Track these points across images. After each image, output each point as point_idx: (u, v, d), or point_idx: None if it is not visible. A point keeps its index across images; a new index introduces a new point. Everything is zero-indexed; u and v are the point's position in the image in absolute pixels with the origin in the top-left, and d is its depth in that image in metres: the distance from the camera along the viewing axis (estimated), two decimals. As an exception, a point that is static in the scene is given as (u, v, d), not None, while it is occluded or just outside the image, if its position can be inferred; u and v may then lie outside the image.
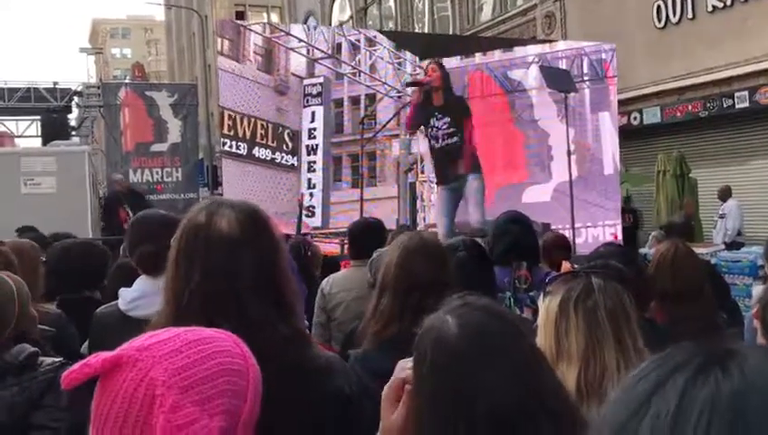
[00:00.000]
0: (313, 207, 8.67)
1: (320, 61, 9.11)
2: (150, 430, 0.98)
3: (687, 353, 0.61)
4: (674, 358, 0.61)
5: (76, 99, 25.95)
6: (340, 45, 9.37)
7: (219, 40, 9.06)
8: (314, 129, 9.01)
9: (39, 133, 26.03)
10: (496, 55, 9.59)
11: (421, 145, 9.32)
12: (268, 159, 8.75)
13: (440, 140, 8.76)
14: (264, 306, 1.49)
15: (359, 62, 9.36)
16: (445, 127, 8.76)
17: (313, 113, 9.01)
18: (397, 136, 9.33)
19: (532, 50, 9.94)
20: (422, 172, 9.29)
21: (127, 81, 41.58)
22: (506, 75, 9.42)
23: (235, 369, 1.06)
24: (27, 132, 27.07)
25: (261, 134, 8.73)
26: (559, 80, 9.26)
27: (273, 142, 8.74)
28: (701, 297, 2.80)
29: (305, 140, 8.98)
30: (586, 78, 9.38)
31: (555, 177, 9.20)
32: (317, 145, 8.99)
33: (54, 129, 24.64)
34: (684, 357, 0.60)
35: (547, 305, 1.77)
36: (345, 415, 1.61)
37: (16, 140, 26.46)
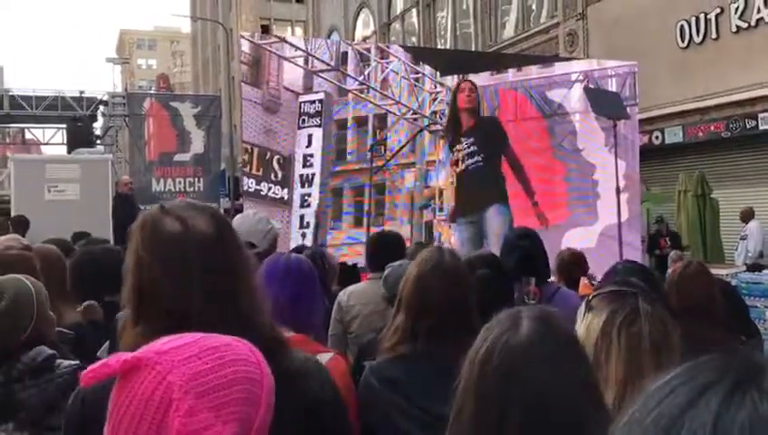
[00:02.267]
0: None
1: (320, 73, 7.63)
2: (165, 434, 0.99)
3: (717, 369, 0.58)
4: (703, 374, 0.58)
5: (102, 108, 26.28)
6: (345, 55, 7.86)
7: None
8: (311, 155, 7.38)
9: (64, 141, 26.38)
10: (533, 72, 8.23)
11: (440, 175, 7.94)
12: (251, 190, 7.24)
13: (460, 163, 7.66)
14: (235, 311, 1.48)
15: (368, 76, 7.91)
16: (466, 148, 7.71)
17: (310, 136, 7.43)
18: (411, 165, 7.93)
19: (577, 66, 8.68)
20: (441, 210, 7.86)
21: (152, 91, 42.09)
22: (545, 96, 8.06)
23: (251, 377, 1.07)
24: (53, 140, 27.44)
25: (244, 160, 7.35)
26: (607, 103, 8.00)
27: (258, 171, 7.19)
28: (707, 316, 2.78)
29: (299, 169, 7.29)
30: (631, 102, 8.20)
31: (602, 218, 7.82)
32: (313, 175, 7.32)
33: (79, 137, 24.95)
34: (714, 374, 0.57)
35: (589, 323, 1.72)
36: (316, 418, 1.60)
37: (42, 147, 26.89)
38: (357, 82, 7.93)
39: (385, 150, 7.92)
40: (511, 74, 8.27)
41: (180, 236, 1.48)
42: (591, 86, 8.14)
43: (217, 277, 1.48)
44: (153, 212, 1.54)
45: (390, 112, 7.96)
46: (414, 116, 7.99)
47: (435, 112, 8.07)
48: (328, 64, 7.72)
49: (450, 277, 2.23)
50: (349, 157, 7.94)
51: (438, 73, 8.15)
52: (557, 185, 7.96)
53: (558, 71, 8.37)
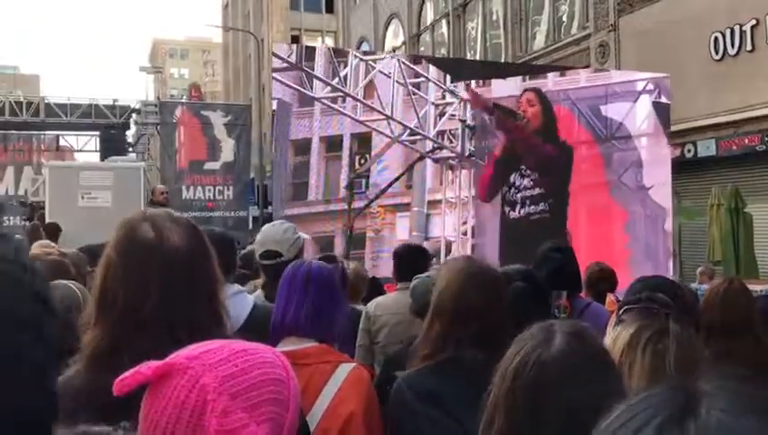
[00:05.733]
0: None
1: (274, 76, 5.35)
2: None
3: (652, 408, 0.60)
4: (636, 417, 0.59)
5: (134, 116, 26.70)
6: (312, 49, 5.66)
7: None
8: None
9: (97, 148, 26.84)
10: (582, 79, 6.22)
11: (447, 223, 5.65)
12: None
13: (518, 207, 5.66)
14: (205, 315, 1.53)
15: (344, 78, 5.44)
16: (529, 186, 5.64)
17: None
18: (405, 207, 5.65)
19: (643, 73, 6.64)
20: None
21: (183, 100, 42.65)
22: (599, 112, 5.98)
23: (278, 379, 1.10)
24: (86, 147, 27.91)
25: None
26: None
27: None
28: (750, 334, 2.74)
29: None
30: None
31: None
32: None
33: (112, 144, 25.45)
34: (646, 414, 0.59)
35: (616, 336, 1.73)
36: None
37: (75, 154, 27.38)
38: (328, 87, 5.47)
39: (368, 186, 5.64)
40: (551, 81, 6.19)
41: (151, 244, 1.52)
42: (665, 100, 6.24)
43: (177, 289, 1.50)
44: (135, 216, 1.60)
45: (377, 132, 5.66)
46: (412, 137, 5.73)
47: (442, 133, 5.82)
48: (285, 60, 5.37)
49: (490, 287, 2.23)
50: (313, 195, 5.58)
51: (449, 78, 5.95)
52: (615, 236, 5.98)
53: (617, 78, 6.39)
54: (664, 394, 0.61)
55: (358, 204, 5.44)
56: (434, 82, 5.72)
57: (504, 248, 5.52)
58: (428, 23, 24.50)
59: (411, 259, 4.50)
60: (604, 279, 4.75)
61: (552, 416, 1.23)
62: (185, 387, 1.03)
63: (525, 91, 5.73)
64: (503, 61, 18.71)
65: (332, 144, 5.60)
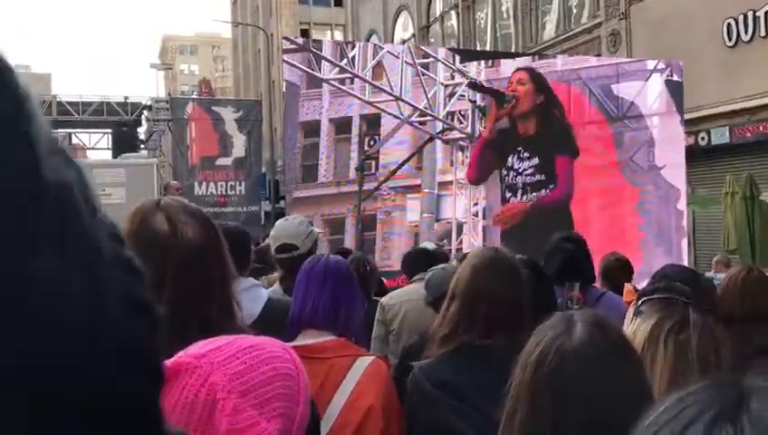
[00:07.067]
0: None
1: (284, 58, 5.29)
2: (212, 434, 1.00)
3: (701, 403, 0.58)
4: (687, 409, 0.58)
5: (146, 113, 26.83)
6: (319, 41, 5.94)
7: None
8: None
9: (109, 146, 26.99)
10: (593, 59, 6.29)
11: (458, 204, 5.64)
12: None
13: (519, 193, 5.63)
14: (217, 310, 1.52)
15: (353, 60, 5.47)
16: (529, 171, 5.59)
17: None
18: (416, 189, 5.63)
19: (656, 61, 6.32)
20: (458, 251, 5.59)
21: (194, 96, 42.76)
22: (610, 92, 5.94)
23: (287, 373, 1.09)
24: (99, 145, 28.06)
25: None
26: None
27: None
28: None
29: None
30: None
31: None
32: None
33: (124, 141, 25.63)
34: (697, 408, 0.58)
35: (636, 327, 1.71)
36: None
37: (88, 152, 27.54)
38: (336, 69, 5.50)
39: (377, 168, 5.64)
40: (561, 61, 6.26)
41: (164, 237, 1.48)
42: (677, 78, 6.18)
43: (190, 283, 1.49)
44: (148, 205, 1.54)
45: (386, 113, 5.63)
46: (421, 118, 5.74)
47: (451, 114, 5.80)
48: (293, 42, 5.55)
49: (503, 270, 2.24)
50: (323, 176, 5.54)
51: (458, 59, 5.94)
52: (626, 217, 5.91)
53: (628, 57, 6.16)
54: (710, 390, 0.59)
55: (368, 186, 5.47)
56: (443, 62, 5.71)
57: (504, 233, 5.56)
58: (437, 14, 24.41)
59: (422, 257, 4.59)
60: (621, 270, 4.71)
61: (574, 406, 1.22)
62: (194, 386, 1.03)
63: (517, 70, 5.69)
64: (513, 51, 18.61)
65: (341, 126, 5.60)
